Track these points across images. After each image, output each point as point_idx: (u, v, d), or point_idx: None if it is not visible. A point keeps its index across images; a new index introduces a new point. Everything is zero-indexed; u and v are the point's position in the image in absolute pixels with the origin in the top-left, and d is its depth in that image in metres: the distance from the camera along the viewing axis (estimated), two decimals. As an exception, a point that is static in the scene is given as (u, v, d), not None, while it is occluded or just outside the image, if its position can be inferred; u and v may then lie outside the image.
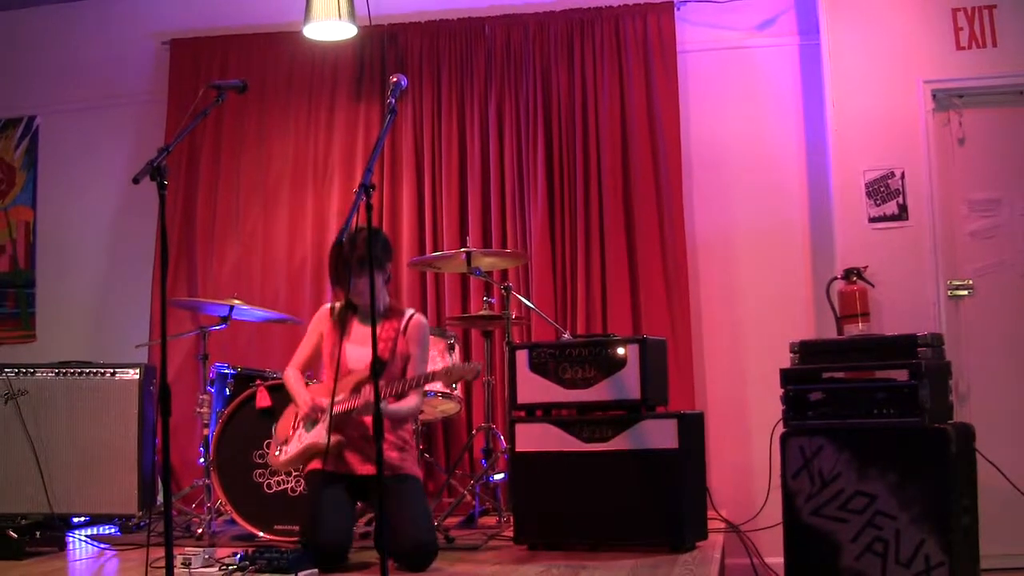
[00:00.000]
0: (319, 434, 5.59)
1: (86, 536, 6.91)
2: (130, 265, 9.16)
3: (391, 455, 5.59)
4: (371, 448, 4.51)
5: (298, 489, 6.48)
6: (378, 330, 5.49)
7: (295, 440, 5.72)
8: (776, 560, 6.35)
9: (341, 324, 5.83)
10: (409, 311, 5.96)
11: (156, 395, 7.30)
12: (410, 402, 5.73)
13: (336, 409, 5.51)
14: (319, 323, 5.98)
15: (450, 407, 7.31)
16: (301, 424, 5.75)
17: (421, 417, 6.15)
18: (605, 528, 5.96)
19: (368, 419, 5.27)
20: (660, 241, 8.09)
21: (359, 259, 5.62)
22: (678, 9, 8.38)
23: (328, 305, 6.05)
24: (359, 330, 5.84)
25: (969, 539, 5.89)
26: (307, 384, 5.95)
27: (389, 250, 6.14)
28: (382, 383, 5.26)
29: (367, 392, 5.44)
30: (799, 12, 8.26)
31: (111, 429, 7.34)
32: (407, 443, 5.82)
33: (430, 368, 6.01)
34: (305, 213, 8.74)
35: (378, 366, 5.20)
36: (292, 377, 5.93)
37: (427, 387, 6.85)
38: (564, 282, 8.24)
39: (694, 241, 8.20)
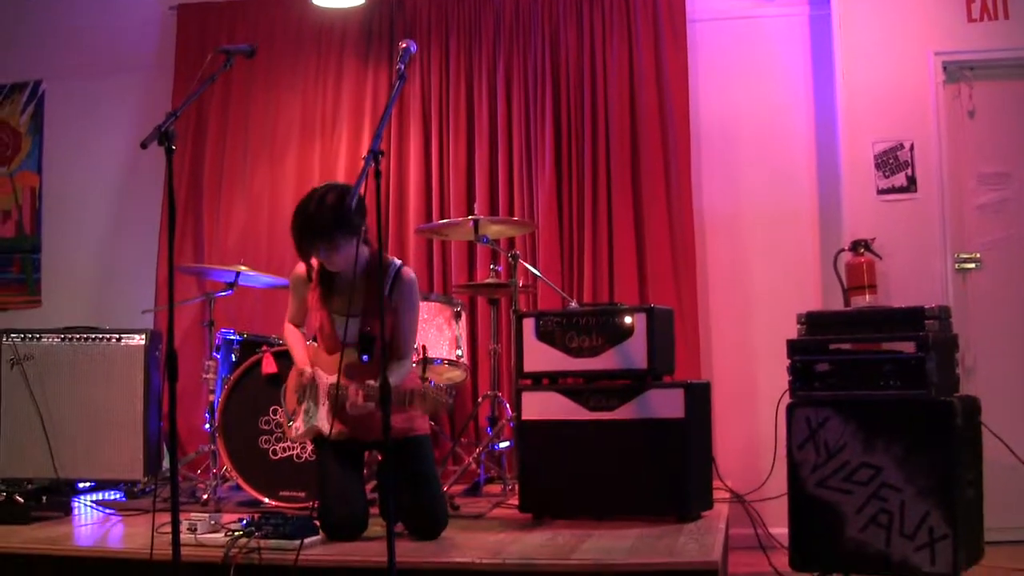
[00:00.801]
0: (322, 421, 5.55)
1: (91, 501, 6.92)
2: (136, 231, 9.16)
3: (396, 420, 5.53)
4: (378, 418, 4.47)
5: (304, 456, 6.48)
6: (362, 291, 5.50)
7: (302, 415, 5.68)
8: (781, 531, 6.34)
9: (325, 294, 5.65)
10: (394, 264, 5.66)
11: (162, 361, 7.30)
12: (401, 371, 5.54)
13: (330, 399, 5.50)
14: (298, 288, 5.79)
15: (456, 375, 7.31)
16: (305, 395, 5.71)
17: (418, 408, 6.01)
18: (610, 497, 5.96)
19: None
20: (667, 210, 8.06)
21: (321, 230, 5.35)
22: (688, -23, 8.34)
23: (302, 268, 5.70)
24: (341, 297, 5.59)
25: (974, 512, 5.88)
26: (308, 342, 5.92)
27: (362, 210, 5.46)
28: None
29: (353, 389, 5.31)
30: (809, -18, 8.22)
31: (116, 395, 7.35)
32: None
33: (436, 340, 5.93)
34: (312, 178, 8.70)
35: (368, 343, 5.24)
36: (291, 336, 5.84)
37: (432, 355, 6.86)
38: (571, 251, 8.23)
39: (701, 210, 8.19)
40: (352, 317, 5.48)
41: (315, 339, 5.83)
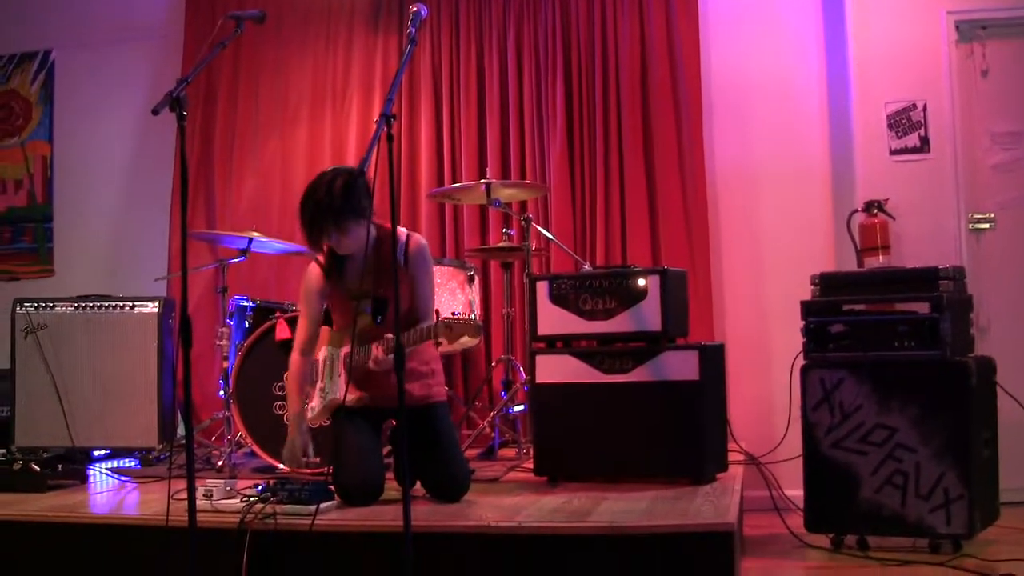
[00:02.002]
0: (339, 391, 5.57)
1: (107, 469, 6.94)
2: (147, 198, 9.17)
3: (412, 388, 5.56)
4: (394, 383, 4.46)
5: (318, 422, 6.48)
6: (370, 266, 5.49)
7: (317, 395, 5.70)
8: (795, 492, 6.34)
9: (337, 279, 5.64)
10: (401, 234, 5.59)
11: (176, 328, 7.31)
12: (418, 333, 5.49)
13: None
14: (313, 293, 5.71)
15: (469, 340, 7.31)
16: (322, 374, 5.73)
17: (441, 350, 6.01)
18: (625, 460, 5.97)
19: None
20: (679, 173, 8.03)
21: (331, 216, 5.33)
22: (698, -64, 8.29)
23: (316, 269, 5.70)
24: (352, 276, 5.59)
25: (989, 472, 5.89)
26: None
27: (369, 191, 5.42)
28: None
29: (375, 346, 5.34)
30: (821, -60, 8.17)
31: (131, 362, 7.37)
32: (432, 369, 5.76)
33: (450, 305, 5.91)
34: (323, 144, 8.73)
35: (382, 305, 5.24)
36: (294, 376, 5.74)
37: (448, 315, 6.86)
38: (583, 214, 8.21)
39: (714, 173, 8.14)
40: (365, 295, 5.50)
41: (330, 322, 5.82)
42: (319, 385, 5.68)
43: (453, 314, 5.23)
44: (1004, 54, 7.67)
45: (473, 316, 5.35)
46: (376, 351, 5.30)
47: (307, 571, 4.89)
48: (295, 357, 5.72)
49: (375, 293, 5.48)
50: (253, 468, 6.81)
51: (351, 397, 5.56)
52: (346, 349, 5.55)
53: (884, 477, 5.78)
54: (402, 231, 5.65)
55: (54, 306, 7.46)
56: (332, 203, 5.29)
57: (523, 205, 8.07)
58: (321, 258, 5.64)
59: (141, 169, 9.31)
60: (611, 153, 8.14)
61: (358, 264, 5.53)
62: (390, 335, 5.11)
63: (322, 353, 5.72)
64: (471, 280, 7.21)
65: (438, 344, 5.52)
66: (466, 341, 6.86)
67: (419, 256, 5.60)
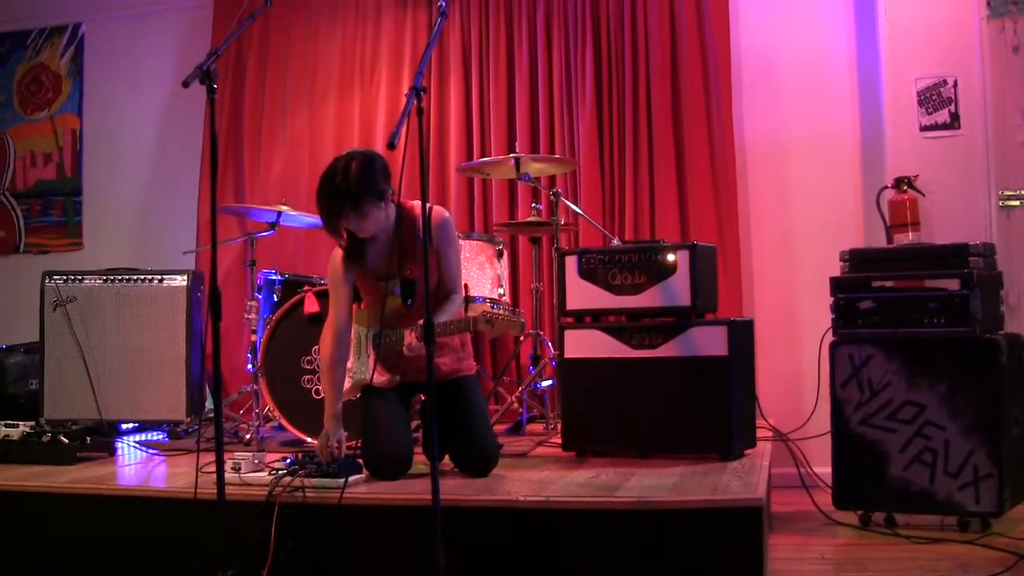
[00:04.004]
0: (367, 371, 5.59)
1: (135, 442, 6.97)
2: (176, 172, 9.21)
3: (444, 362, 5.58)
4: (423, 359, 4.44)
5: (347, 398, 6.49)
6: (395, 246, 5.49)
7: (347, 376, 5.73)
8: (824, 469, 6.33)
9: (360, 262, 5.58)
10: (419, 208, 5.53)
11: (204, 301, 7.32)
12: (450, 310, 5.51)
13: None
14: (339, 272, 5.63)
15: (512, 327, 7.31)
16: (351, 354, 5.73)
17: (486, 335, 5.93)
18: (654, 435, 5.96)
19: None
20: (709, 148, 8.00)
21: (349, 200, 5.29)
22: (728, -89, 8.24)
23: (340, 254, 5.62)
24: (375, 257, 5.58)
25: (1019, 450, 5.85)
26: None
27: (386, 172, 5.42)
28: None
29: (408, 332, 5.31)
30: (852, -85, 8.12)
31: (159, 336, 7.39)
32: (461, 341, 5.75)
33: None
34: (352, 117, 8.74)
35: (411, 288, 5.26)
36: (328, 366, 5.62)
37: (474, 293, 6.85)
38: (612, 188, 8.19)
39: (743, 148, 8.12)
40: (392, 277, 5.50)
41: (358, 302, 5.80)
42: (348, 363, 5.68)
43: (492, 306, 5.21)
44: (1036, 30, 7.63)
45: (517, 311, 5.30)
46: (409, 338, 5.28)
47: (335, 544, 4.90)
48: (330, 346, 5.61)
49: (402, 275, 5.48)
50: (281, 442, 6.83)
51: (381, 379, 5.57)
52: (375, 330, 5.56)
53: (913, 454, 5.77)
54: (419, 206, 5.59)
55: (83, 279, 7.48)
56: (350, 188, 5.25)
57: (552, 179, 8.06)
58: (343, 240, 5.58)
59: (170, 142, 9.34)
60: (640, 128, 8.11)
61: (382, 245, 5.54)
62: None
63: (351, 332, 5.72)
64: (500, 254, 7.20)
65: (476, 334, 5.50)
66: (513, 309, 6.87)
67: (443, 229, 5.56)
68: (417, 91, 4.38)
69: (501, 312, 5.26)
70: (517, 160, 7.15)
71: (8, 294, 9.32)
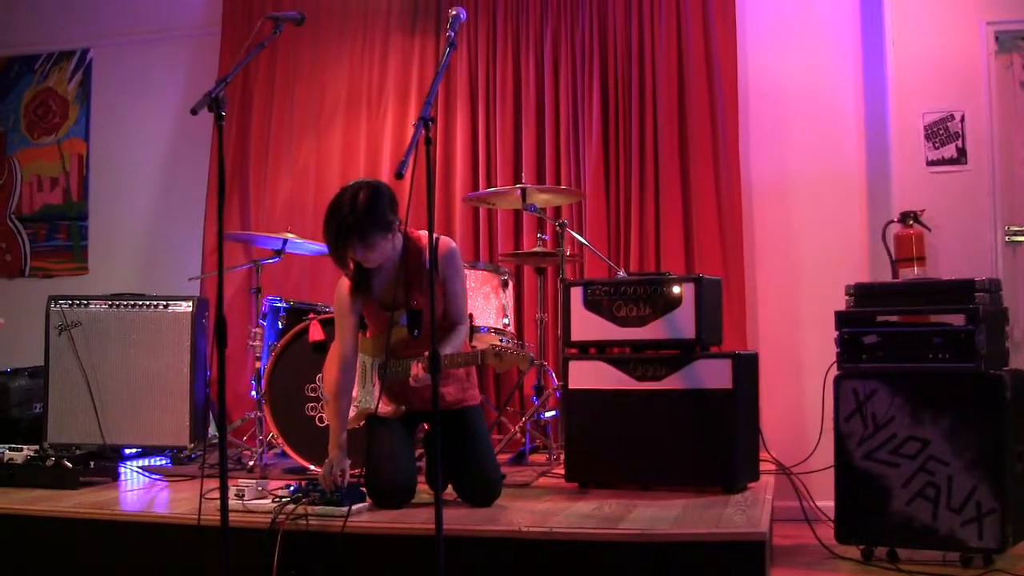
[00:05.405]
0: (372, 401, 5.59)
1: (138, 467, 6.98)
2: (182, 198, 9.23)
3: (448, 391, 5.59)
4: (428, 389, 4.44)
5: (351, 426, 6.48)
6: (401, 276, 5.48)
7: (352, 404, 5.71)
8: (827, 503, 6.32)
9: (366, 292, 5.58)
10: (426, 238, 5.50)
11: (209, 328, 7.33)
12: (455, 341, 5.50)
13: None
14: (345, 301, 5.63)
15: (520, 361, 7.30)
16: (356, 382, 5.72)
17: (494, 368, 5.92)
18: (657, 467, 5.97)
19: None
20: (715, 181, 8.01)
21: (357, 232, 5.26)
22: (736, -57, 8.27)
23: (347, 284, 5.61)
24: (382, 287, 5.59)
25: (1022, 486, 5.84)
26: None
27: (393, 204, 5.40)
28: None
29: (415, 364, 5.31)
30: (860, -51, 8.15)
31: (163, 361, 7.39)
32: (467, 372, 5.74)
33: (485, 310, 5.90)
34: (358, 146, 8.76)
35: (416, 318, 5.26)
36: (334, 396, 5.57)
37: (479, 323, 6.85)
38: (618, 220, 8.20)
39: (749, 181, 8.12)
40: (398, 307, 5.50)
41: (363, 330, 5.79)
42: (353, 392, 5.68)
43: (500, 340, 5.20)
44: (1043, 66, 7.66)
45: (524, 345, 5.29)
46: (416, 369, 5.29)
47: (338, 573, 4.90)
48: (335, 375, 5.58)
49: (409, 305, 5.49)
50: (284, 469, 6.82)
51: (386, 409, 5.58)
52: (380, 360, 5.56)
53: (916, 489, 5.75)
54: (425, 237, 5.57)
55: (88, 304, 7.49)
56: (357, 219, 5.23)
57: (558, 210, 8.08)
58: (350, 270, 5.56)
59: (176, 169, 9.36)
60: (646, 160, 8.12)
61: (388, 275, 5.54)
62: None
63: (357, 359, 5.71)
64: (505, 285, 7.20)
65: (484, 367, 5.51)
66: (521, 344, 6.87)
67: (449, 260, 5.55)
68: (425, 121, 4.39)
69: (510, 346, 5.26)
70: (523, 190, 7.16)
71: (13, 318, 9.30)
